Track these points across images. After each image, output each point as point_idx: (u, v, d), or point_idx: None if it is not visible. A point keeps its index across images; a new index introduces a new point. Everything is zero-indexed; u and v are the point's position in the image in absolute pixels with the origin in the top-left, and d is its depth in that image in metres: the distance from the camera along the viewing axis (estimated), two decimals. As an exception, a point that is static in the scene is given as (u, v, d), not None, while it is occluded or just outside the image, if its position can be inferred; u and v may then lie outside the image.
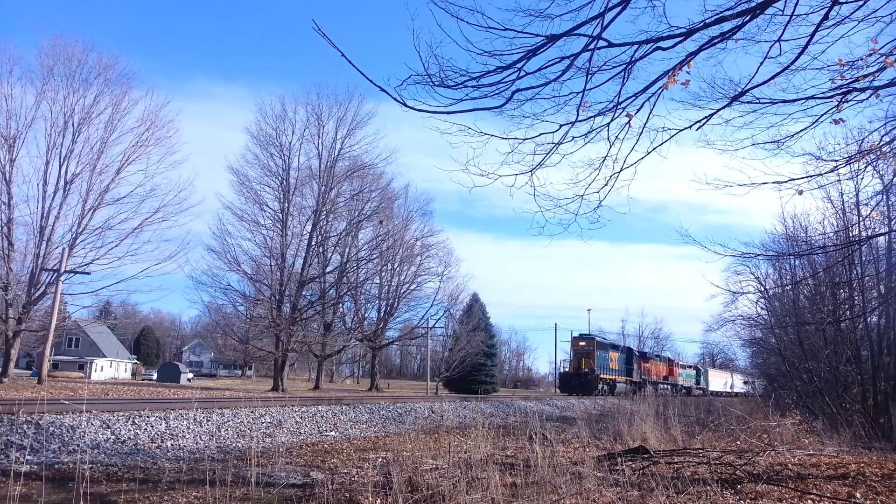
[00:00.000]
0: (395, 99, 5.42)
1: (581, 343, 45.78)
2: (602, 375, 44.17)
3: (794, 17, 5.26)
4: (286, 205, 39.98)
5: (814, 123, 6.71)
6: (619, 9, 5.39)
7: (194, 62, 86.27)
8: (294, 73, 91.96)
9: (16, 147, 31.64)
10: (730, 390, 68.08)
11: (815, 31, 5.34)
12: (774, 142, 7.26)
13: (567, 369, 46.92)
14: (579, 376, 43.02)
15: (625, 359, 50.37)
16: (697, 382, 65.31)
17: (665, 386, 53.90)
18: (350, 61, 5.01)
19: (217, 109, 79.99)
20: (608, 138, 6.22)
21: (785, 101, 6.55)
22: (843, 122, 6.54)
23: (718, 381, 71.64)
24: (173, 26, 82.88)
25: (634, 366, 50.98)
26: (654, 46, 5.58)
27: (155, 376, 60.31)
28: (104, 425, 9.38)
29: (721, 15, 5.35)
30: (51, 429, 8.65)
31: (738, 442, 11.05)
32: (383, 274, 46.27)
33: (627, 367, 49.73)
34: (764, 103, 6.58)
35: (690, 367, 67.93)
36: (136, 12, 76.03)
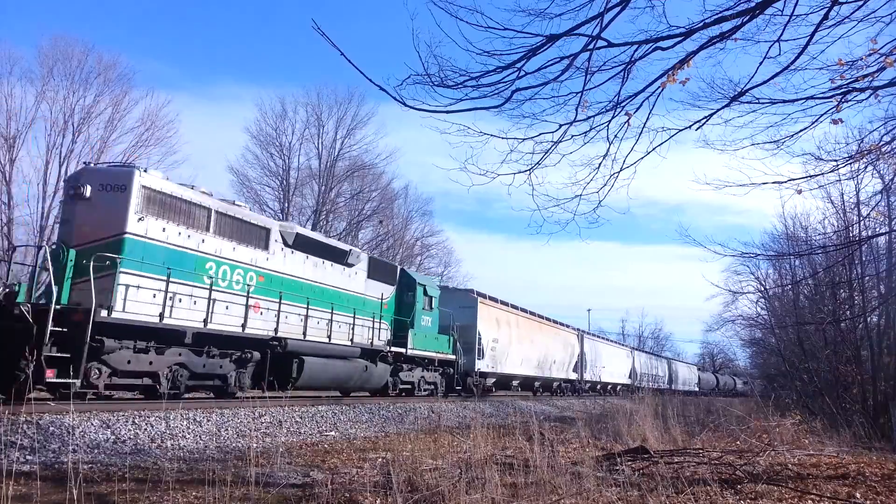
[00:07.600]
0: (395, 98, 5.44)
1: None
2: None
3: (793, 17, 5.27)
4: (286, 205, 40.06)
5: (813, 123, 6.72)
6: (618, 9, 5.40)
7: (220, 65, 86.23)
8: (294, 73, 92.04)
9: (16, 147, 31.65)
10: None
11: (815, 31, 5.35)
12: (774, 142, 7.27)
13: None
14: None
15: None
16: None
17: None
18: (350, 61, 5.02)
19: (239, 111, 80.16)
20: (607, 138, 6.25)
21: (784, 101, 6.56)
22: (843, 122, 6.56)
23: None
24: (196, 29, 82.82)
25: None
26: (653, 46, 5.59)
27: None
28: (104, 425, 9.37)
29: (721, 15, 5.36)
30: (51, 428, 8.65)
31: (738, 442, 11.05)
32: (383, 274, 46.21)
33: None
34: (763, 103, 6.59)
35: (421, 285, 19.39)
36: (148, 14, 76.27)
